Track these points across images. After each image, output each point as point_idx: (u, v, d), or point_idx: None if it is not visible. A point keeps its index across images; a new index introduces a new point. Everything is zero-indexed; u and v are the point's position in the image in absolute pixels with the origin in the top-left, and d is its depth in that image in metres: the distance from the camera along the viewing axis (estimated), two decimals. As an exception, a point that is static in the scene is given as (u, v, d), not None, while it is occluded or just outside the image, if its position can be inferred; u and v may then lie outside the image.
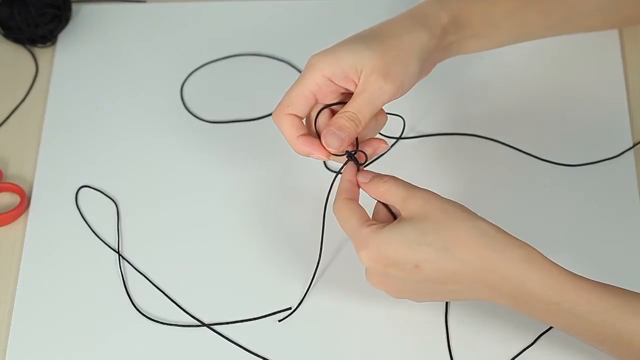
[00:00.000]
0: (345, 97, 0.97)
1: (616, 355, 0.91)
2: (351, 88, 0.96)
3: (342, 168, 0.97)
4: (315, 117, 0.97)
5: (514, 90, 1.16)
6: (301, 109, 0.96)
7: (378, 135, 1.00)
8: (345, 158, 0.97)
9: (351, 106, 0.95)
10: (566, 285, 0.89)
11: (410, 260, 0.90)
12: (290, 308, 1.03)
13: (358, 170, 0.97)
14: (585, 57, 1.17)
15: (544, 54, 1.15)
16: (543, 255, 0.90)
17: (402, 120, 1.08)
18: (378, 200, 0.95)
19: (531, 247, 0.90)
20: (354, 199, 0.95)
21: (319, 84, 0.95)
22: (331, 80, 0.95)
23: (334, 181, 0.99)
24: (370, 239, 0.91)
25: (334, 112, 0.98)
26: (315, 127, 0.97)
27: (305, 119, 0.98)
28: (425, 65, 0.99)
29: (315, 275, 1.03)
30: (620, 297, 0.89)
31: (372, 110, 0.96)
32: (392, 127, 1.05)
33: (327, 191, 0.99)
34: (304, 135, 0.97)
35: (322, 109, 0.97)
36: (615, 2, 1.09)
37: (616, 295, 0.89)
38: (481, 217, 0.91)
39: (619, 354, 0.91)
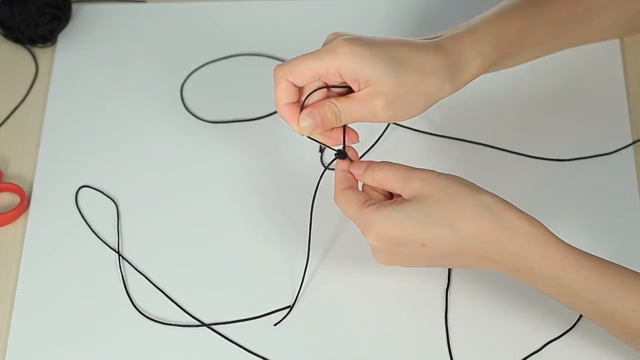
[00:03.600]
0: (344, 82, 0.97)
1: (613, 332, 0.92)
2: (354, 87, 0.96)
3: (330, 164, 0.98)
4: (310, 91, 0.97)
5: (514, 91, 1.16)
6: (301, 81, 0.96)
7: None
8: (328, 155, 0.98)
9: (342, 104, 0.96)
10: (566, 260, 0.90)
11: (417, 240, 0.91)
12: (289, 307, 1.03)
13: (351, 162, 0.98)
14: (586, 56, 1.17)
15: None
16: (546, 229, 0.91)
17: None
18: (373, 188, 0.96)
19: (534, 219, 0.91)
20: (352, 186, 0.96)
21: (329, 72, 0.95)
22: (342, 76, 0.95)
23: (321, 176, 0.99)
24: (372, 219, 0.92)
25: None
26: (305, 101, 0.97)
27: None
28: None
29: (306, 273, 1.03)
30: (618, 275, 0.90)
31: (357, 120, 0.97)
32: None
33: (315, 189, 1.00)
34: (290, 103, 0.96)
35: (320, 88, 0.96)
36: (631, 17, 1.10)
37: (614, 273, 0.90)
38: (483, 189, 0.92)
39: (616, 332, 0.92)
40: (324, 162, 1.12)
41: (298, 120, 0.96)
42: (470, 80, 1.00)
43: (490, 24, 1.00)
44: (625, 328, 0.90)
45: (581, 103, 1.15)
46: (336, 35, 0.96)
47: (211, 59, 1.21)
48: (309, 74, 0.95)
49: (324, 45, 0.97)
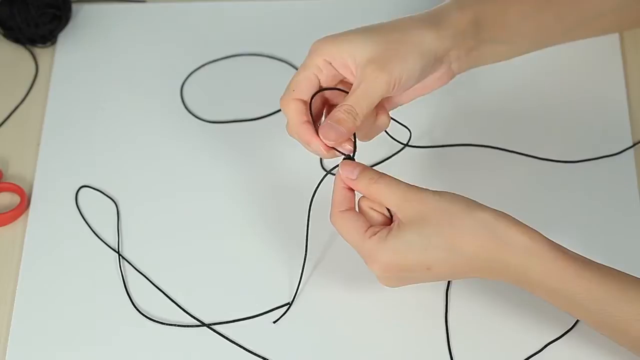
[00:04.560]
0: (346, 85, 0.97)
1: (614, 340, 0.92)
2: (350, 78, 0.96)
3: (333, 168, 0.97)
4: (310, 100, 0.97)
5: (513, 91, 1.16)
6: (306, 92, 0.96)
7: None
8: (333, 157, 0.97)
9: (348, 99, 0.95)
10: (567, 272, 0.90)
11: (421, 265, 0.92)
12: (288, 304, 1.03)
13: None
14: (586, 57, 1.17)
15: (544, 55, 1.14)
16: (546, 240, 0.90)
17: (408, 131, 1.05)
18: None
19: (534, 232, 0.91)
20: (350, 208, 0.95)
21: (321, 67, 0.96)
22: (331, 65, 0.95)
23: (322, 179, 0.99)
24: (377, 251, 0.92)
25: (330, 104, 0.99)
26: (311, 111, 0.97)
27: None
28: (433, 66, 0.99)
29: (304, 271, 1.03)
30: (619, 284, 0.90)
31: (369, 103, 0.95)
32: (400, 135, 1.05)
33: (314, 189, 1.00)
34: (308, 122, 0.96)
35: (317, 92, 0.97)
36: (628, 2, 1.10)
37: (615, 282, 0.90)
38: (479, 206, 0.92)
39: (617, 340, 0.92)
40: (323, 163, 1.12)
41: (320, 137, 0.95)
42: (462, 29, 0.99)
43: None
44: (627, 337, 0.91)
45: (581, 104, 1.15)
46: None
47: (211, 59, 1.21)
48: (307, 80, 0.96)
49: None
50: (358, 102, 0.95)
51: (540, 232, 0.91)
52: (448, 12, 0.99)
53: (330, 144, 0.95)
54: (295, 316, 1.02)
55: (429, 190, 0.93)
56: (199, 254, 1.07)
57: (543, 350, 0.99)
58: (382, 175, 0.94)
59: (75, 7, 1.25)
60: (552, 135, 1.12)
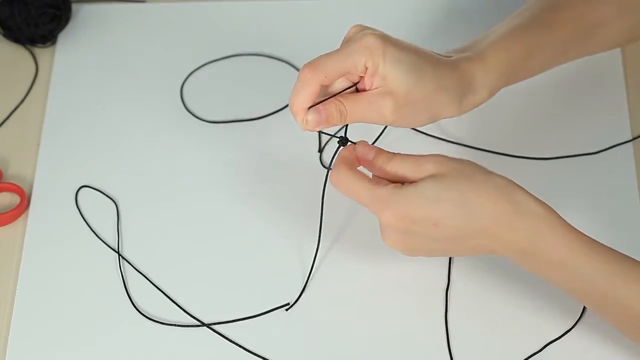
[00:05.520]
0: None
1: (615, 320, 0.93)
2: (367, 84, 0.96)
3: (331, 162, 0.97)
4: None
5: (512, 91, 1.16)
6: (332, 81, 0.96)
7: None
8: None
9: (349, 102, 0.96)
10: (575, 244, 0.90)
11: (430, 218, 0.91)
12: (288, 304, 1.03)
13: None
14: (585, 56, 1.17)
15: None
16: (556, 213, 0.91)
17: None
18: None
19: (546, 204, 0.91)
20: (355, 168, 0.95)
21: (357, 68, 0.94)
22: (365, 69, 0.95)
23: (326, 178, 0.99)
24: (390, 198, 0.92)
25: None
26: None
27: None
28: None
29: (312, 271, 1.03)
30: (625, 262, 0.91)
31: (360, 120, 0.96)
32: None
33: (322, 188, 1.00)
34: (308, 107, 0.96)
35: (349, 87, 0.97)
36: (631, 27, 1.10)
37: (621, 260, 0.91)
38: (496, 173, 0.92)
39: (618, 318, 0.92)
40: (323, 162, 1.12)
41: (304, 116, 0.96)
42: (475, 107, 1.01)
43: (499, 50, 1.01)
44: (628, 313, 0.90)
45: (581, 102, 1.15)
46: (361, 28, 0.96)
47: (211, 59, 1.21)
48: (340, 73, 0.95)
49: (347, 37, 0.97)
50: (353, 112, 0.96)
51: None
52: (478, 90, 1.00)
53: (308, 127, 0.95)
54: (295, 316, 1.02)
55: (444, 155, 0.93)
56: (199, 253, 1.07)
57: (543, 350, 0.99)
58: (396, 153, 0.95)
59: (75, 7, 1.25)
60: (550, 137, 1.12)
